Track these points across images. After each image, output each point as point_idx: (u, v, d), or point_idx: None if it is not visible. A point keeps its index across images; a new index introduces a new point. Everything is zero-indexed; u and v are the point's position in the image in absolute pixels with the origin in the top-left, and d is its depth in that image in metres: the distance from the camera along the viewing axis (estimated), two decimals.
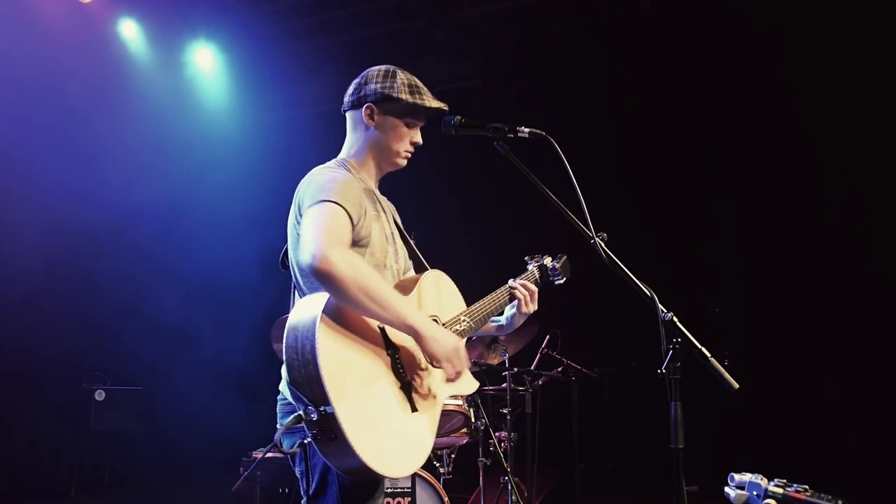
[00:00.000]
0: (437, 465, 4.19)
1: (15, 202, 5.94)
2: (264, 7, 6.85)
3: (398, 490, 3.79)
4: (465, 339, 2.22)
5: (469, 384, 2.23)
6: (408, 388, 1.95)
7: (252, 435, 5.36)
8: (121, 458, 6.90)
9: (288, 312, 2.04)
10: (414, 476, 3.73)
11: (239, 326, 7.01)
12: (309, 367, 1.74)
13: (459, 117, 2.17)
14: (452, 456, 4.22)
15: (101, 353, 6.86)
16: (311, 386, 1.74)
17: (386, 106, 2.12)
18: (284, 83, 7.39)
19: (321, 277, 1.79)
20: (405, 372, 1.96)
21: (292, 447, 1.89)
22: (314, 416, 1.72)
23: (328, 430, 1.73)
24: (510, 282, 2.43)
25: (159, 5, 6.86)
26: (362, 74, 2.19)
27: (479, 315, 2.30)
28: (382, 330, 1.94)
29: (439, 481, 4.00)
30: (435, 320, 2.15)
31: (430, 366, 2.06)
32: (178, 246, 7.05)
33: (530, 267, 2.59)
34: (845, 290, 5.65)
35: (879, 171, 5.51)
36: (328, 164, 2.15)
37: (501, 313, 2.45)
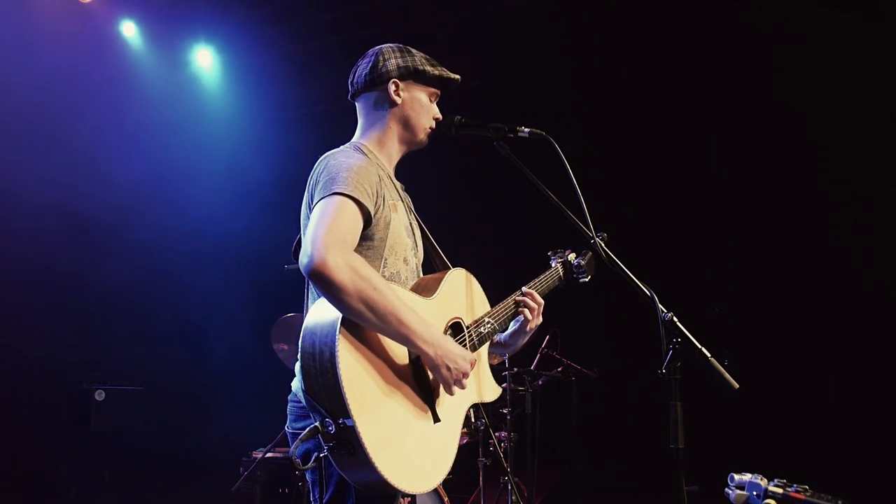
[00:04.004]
0: None
1: (14, 201, 5.94)
2: (264, 8, 6.84)
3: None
4: (487, 343, 2.12)
5: (492, 391, 2.14)
6: (430, 398, 1.84)
7: (252, 435, 5.37)
8: (121, 458, 6.90)
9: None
10: None
11: (240, 326, 7.01)
12: (328, 377, 1.61)
13: (459, 117, 2.17)
14: None
15: (101, 353, 6.86)
16: (329, 396, 1.61)
17: (411, 80, 2.07)
18: (284, 84, 7.39)
19: (318, 283, 1.66)
20: (428, 379, 1.85)
21: (309, 462, 1.75)
22: (332, 429, 1.60)
23: (347, 444, 1.61)
24: (523, 288, 2.24)
25: (159, 6, 6.87)
26: (371, 53, 2.11)
27: (502, 316, 2.16)
28: None
29: None
30: (458, 322, 2.03)
31: None
32: (179, 246, 7.05)
33: (554, 263, 2.42)
34: (845, 290, 5.65)
35: (880, 171, 5.51)
36: (342, 148, 2.03)
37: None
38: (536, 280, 2.31)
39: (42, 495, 6.40)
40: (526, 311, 2.20)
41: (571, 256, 2.45)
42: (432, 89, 2.12)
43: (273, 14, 6.91)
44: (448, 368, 1.80)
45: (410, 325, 1.72)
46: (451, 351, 1.81)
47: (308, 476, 1.88)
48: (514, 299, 2.21)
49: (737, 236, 6.19)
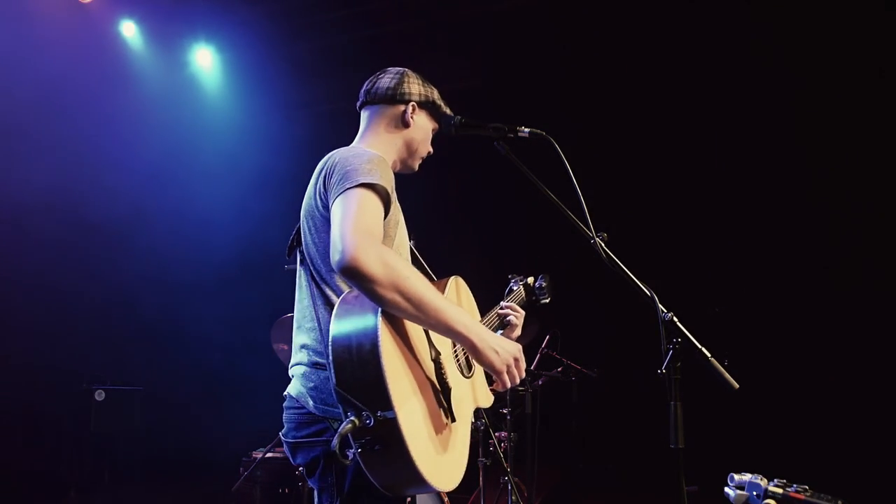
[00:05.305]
0: None
1: (13, 202, 5.94)
2: (264, 7, 6.84)
3: None
4: None
5: (487, 397, 2.19)
6: (448, 396, 1.83)
7: (252, 435, 5.37)
8: (121, 458, 6.90)
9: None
10: None
11: (239, 326, 7.02)
12: (368, 368, 1.60)
13: (459, 117, 2.18)
14: None
15: (101, 353, 6.86)
16: (368, 389, 1.59)
17: (426, 110, 2.15)
18: (285, 83, 7.39)
19: (351, 278, 1.65)
20: (446, 378, 1.84)
21: (317, 468, 1.71)
22: (370, 422, 1.57)
23: (383, 438, 1.58)
24: (502, 303, 2.36)
25: (159, 6, 6.87)
26: (396, 71, 2.16)
27: (492, 326, 2.24)
28: (426, 331, 1.82)
29: None
30: None
31: (463, 373, 1.99)
32: (179, 245, 7.05)
33: (516, 287, 2.53)
34: (845, 289, 5.65)
35: (880, 171, 5.51)
36: (351, 146, 2.04)
37: None
38: (508, 299, 2.44)
39: (42, 495, 6.40)
40: (512, 317, 2.32)
41: (530, 280, 2.59)
42: (435, 125, 2.20)
43: (273, 14, 6.91)
44: (496, 352, 1.76)
45: (448, 311, 1.70)
46: (491, 337, 1.78)
47: (314, 483, 1.84)
48: (497, 312, 2.33)
49: (737, 236, 6.20)
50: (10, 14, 5.92)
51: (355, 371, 1.61)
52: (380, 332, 1.61)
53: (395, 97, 2.10)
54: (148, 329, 7.05)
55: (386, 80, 2.14)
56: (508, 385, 1.83)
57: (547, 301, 2.56)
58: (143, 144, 6.99)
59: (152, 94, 7.17)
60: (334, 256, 1.66)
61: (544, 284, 2.55)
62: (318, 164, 1.97)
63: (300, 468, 1.82)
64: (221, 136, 7.51)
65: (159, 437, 7.10)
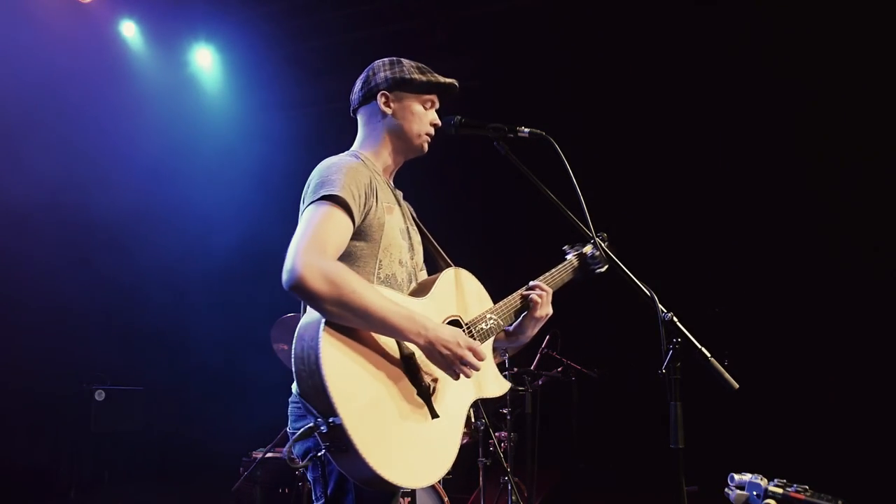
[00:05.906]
0: None
1: (13, 201, 5.94)
2: (264, 7, 6.85)
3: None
4: (491, 338, 2.14)
5: (498, 386, 2.15)
6: (426, 394, 1.85)
7: (252, 435, 5.36)
8: (121, 458, 6.90)
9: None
10: None
11: (239, 326, 7.02)
12: (315, 378, 1.66)
13: (459, 117, 2.17)
14: None
15: (101, 353, 6.86)
16: (318, 397, 1.66)
17: (400, 90, 2.10)
18: (285, 83, 7.39)
19: (298, 295, 1.71)
20: (422, 376, 1.86)
21: (306, 459, 1.79)
22: (324, 429, 1.65)
23: (339, 442, 1.64)
24: (531, 283, 2.28)
25: (159, 5, 6.88)
26: (366, 69, 2.16)
27: (507, 311, 2.18)
28: None
29: (439, 481, 4.00)
30: (456, 321, 2.05)
31: None
32: (179, 245, 7.05)
33: (569, 256, 2.45)
34: (845, 290, 5.65)
35: (880, 171, 5.51)
36: (339, 155, 2.06)
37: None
38: (548, 273, 2.34)
39: (42, 495, 6.40)
40: (533, 295, 2.22)
41: (587, 248, 2.47)
42: (426, 97, 2.13)
43: (273, 14, 6.91)
44: (441, 354, 1.81)
45: (393, 320, 1.75)
46: (441, 336, 1.81)
47: (309, 475, 1.90)
48: (521, 294, 2.25)
49: (738, 236, 6.19)
50: (11, 14, 5.92)
51: (307, 380, 1.69)
52: (321, 344, 1.67)
53: (366, 96, 2.12)
54: (148, 329, 7.05)
55: (357, 84, 2.17)
56: (458, 380, 1.88)
57: (603, 270, 2.44)
58: (143, 144, 6.99)
59: (152, 93, 7.18)
60: (283, 275, 1.72)
61: (597, 253, 2.42)
62: (315, 165, 2.01)
63: (300, 468, 1.86)
64: (222, 136, 7.51)
65: (159, 437, 7.09)
